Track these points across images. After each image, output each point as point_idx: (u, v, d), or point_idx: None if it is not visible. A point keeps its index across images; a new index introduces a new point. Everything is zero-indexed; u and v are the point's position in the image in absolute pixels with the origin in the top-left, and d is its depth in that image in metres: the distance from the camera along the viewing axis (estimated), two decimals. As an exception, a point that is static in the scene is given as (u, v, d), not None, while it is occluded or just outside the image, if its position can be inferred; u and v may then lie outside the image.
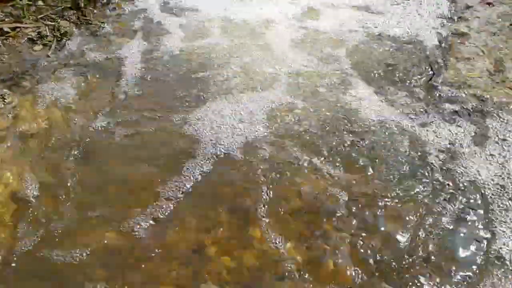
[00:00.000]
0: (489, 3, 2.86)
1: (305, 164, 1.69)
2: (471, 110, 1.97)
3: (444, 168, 1.70)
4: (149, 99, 2.01)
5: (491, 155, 1.75)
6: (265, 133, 1.83)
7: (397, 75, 2.20)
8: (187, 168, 1.65)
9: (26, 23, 2.44)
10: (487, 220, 1.52)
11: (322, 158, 1.72)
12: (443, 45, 2.43)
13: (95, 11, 2.67)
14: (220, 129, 1.84)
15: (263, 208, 1.52)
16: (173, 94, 2.04)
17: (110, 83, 2.10)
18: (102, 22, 2.50)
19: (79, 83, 2.08)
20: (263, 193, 1.57)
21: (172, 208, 1.51)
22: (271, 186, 1.60)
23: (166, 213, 1.50)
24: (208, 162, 1.69)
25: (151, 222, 1.47)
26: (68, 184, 1.60)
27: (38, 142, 1.77)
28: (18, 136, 1.79)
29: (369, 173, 1.67)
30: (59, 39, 2.35)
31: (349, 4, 2.86)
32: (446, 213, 1.54)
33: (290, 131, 1.85)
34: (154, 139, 1.80)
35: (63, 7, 2.63)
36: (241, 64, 2.25)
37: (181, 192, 1.57)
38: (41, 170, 1.66)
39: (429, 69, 2.22)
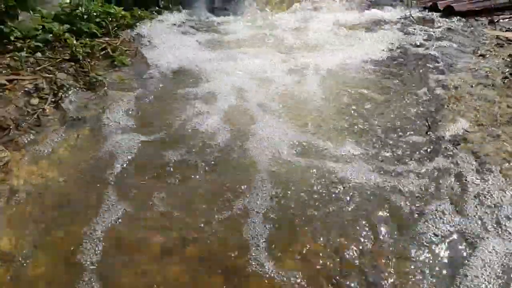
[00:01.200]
0: (482, 55, 2.91)
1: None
2: (467, 168, 1.96)
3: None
4: (140, 158, 2.00)
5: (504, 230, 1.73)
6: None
7: (392, 129, 2.20)
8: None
9: (23, 75, 2.45)
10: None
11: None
12: (437, 98, 2.45)
13: (93, 63, 2.69)
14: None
15: None
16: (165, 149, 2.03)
17: (105, 139, 2.08)
18: (99, 75, 2.51)
19: (74, 139, 2.07)
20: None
21: None
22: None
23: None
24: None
25: None
26: (58, 244, 1.56)
27: (30, 200, 1.74)
28: (9, 193, 1.76)
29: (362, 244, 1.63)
30: (55, 92, 2.35)
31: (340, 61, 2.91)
32: None
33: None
34: (159, 202, 1.77)
35: (61, 59, 2.65)
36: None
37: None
38: (32, 230, 1.62)
39: (426, 124, 2.22)
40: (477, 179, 1.88)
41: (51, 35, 2.80)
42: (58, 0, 3.15)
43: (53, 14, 3.02)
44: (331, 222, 1.64)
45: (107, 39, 2.99)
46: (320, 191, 1.78)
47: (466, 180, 1.87)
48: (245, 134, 2.11)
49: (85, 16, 3.00)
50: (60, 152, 1.99)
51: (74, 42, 2.77)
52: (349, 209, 1.71)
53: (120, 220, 1.66)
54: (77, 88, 2.43)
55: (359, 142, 2.09)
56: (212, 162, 1.94)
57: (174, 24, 3.27)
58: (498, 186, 1.84)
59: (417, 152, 2.04)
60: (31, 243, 1.57)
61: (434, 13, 3.63)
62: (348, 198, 1.76)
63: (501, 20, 3.51)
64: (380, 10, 3.62)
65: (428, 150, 2.05)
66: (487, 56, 2.91)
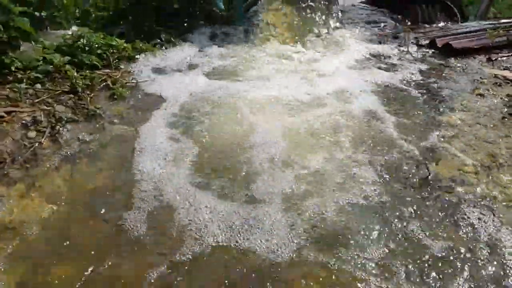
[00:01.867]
0: (480, 94, 2.92)
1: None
2: (465, 211, 1.94)
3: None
4: (137, 195, 1.98)
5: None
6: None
7: (390, 171, 2.19)
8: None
9: (22, 107, 2.45)
10: None
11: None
12: (436, 138, 2.44)
13: (92, 95, 2.70)
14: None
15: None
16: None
17: (101, 174, 2.07)
18: (97, 108, 2.51)
19: (69, 174, 2.06)
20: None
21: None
22: None
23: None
24: None
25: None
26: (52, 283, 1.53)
27: (21, 236, 1.71)
28: (2, 230, 1.73)
29: None
30: (53, 125, 2.35)
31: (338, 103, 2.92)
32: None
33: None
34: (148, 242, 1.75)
35: (61, 91, 2.66)
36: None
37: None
38: (23, 266, 1.59)
39: (424, 167, 2.21)
40: (478, 221, 1.86)
41: (52, 66, 2.82)
42: (60, 31, 3.20)
43: (55, 45, 3.05)
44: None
45: (107, 71, 3.01)
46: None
47: (465, 222, 1.85)
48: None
49: (87, 48, 3.03)
50: (54, 187, 1.98)
51: (75, 74, 2.78)
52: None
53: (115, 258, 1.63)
54: (75, 121, 2.43)
55: (356, 181, 2.07)
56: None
57: (175, 57, 3.28)
58: (496, 228, 1.82)
59: (416, 195, 2.02)
60: (24, 280, 1.54)
61: (433, 50, 3.66)
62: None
63: (499, 58, 3.53)
64: (377, 46, 3.65)
65: (427, 191, 2.03)
66: (486, 95, 2.92)
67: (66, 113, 2.47)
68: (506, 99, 2.87)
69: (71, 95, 2.64)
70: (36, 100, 2.54)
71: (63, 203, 1.89)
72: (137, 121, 2.50)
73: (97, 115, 2.49)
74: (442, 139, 2.42)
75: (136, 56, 3.24)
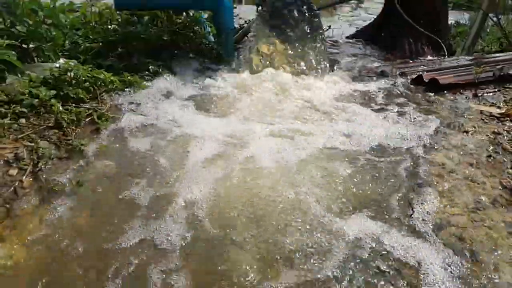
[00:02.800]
0: (466, 132, 2.93)
1: None
2: (450, 254, 1.92)
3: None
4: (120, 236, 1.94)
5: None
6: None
7: (373, 209, 2.17)
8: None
9: (5, 143, 2.42)
10: None
11: None
12: (421, 177, 2.44)
13: (77, 130, 2.68)
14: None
15: None
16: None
17: (84, 216, 2.03)
18: (82, 144, 2.49)
19: (49, 214, 2.02)
20: None
21: None
22: None
23: None
24: None
25: None
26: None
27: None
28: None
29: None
30: (36, 162, 2.31)
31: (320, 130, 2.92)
32: None
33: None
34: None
35: (45, 126, 2.63)
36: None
37: None
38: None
39: (408, 206, 2.19)
40: (463, 267, 1.84)
41: (37, 100, 2.79)
42: (48, 64, 3.19)
43: (41, 78, 3.03)
44: None
45: (94, 104, 2.99)
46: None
47: (451, 269, 1.83)
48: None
49: (74, 81, 3.02)
50: (32, 229, 1.93)
51: (60, 108, 2.76)
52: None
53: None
54: (59, 158, 2.40)
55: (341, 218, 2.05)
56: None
57: (163, 90, 3.28)
58: (486, 276, 1.80)
59: (400, 237, 2.00)
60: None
61: (419, 86, 3.69)
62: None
63: (485, 94, 3.57)
64: (363, 83, 3.68)
65: (411, 234, 2.02)
66: (472, 132, 2.93)
67: (50, 149, 2.44)
68: (491, 136, 2.88)
69: (56, 130, 2.61)
70: (20, 136, 2.51)
71: (40, 247, 1.84)
72: (120, 156, 2.47)
73: (81, 151, 2.47)
74: (428, 179, 2.42)
75: (124, 89, 3.22)
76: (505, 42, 5.48)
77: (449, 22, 11.54)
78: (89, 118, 2.82)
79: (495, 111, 3.25)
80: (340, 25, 8.78)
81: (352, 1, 17.49)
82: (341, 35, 7.20)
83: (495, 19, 5.62)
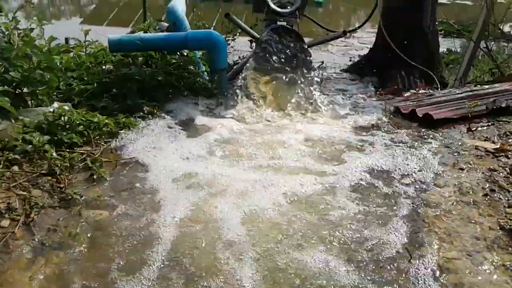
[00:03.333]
0: (461, 169, 2.92)
1: None
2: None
3: None
4: None
5: None
6: None
7: (366, 256, 2.14)
8: None
9: (-3, 193, 2.40)
10: None
11: None
12: (417, 219, 2.42)
13: (71, 176, 2.66)
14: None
15: None
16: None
17: (69, 270, 1.99)
18: (75, 193, 2.46)
19: (41, 268, 1.98)
20: None
21: None
22: None
23: None
24: None
25: None
26: None
27: None
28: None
29: None
30: (28, 212, 2.29)
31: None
32: None
33: None
34: None
35: (38, 173, 2.62)
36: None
37: None
38: None
39: (406, 252, 2.16)
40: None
41: (31, 146, 2.78)
42: (42, 108, 3.19)
43: (35, 123, 3.03)
44: None
45: (88, 148, 2.98)
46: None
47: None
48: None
49: (68, 126, 3.02)
50: (24, 284, 1.89)
51: (53, 154, 2.75)
52: None
53: None
54: (51, 207, 2.37)
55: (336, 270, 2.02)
56: None
57: (158, 132, 3.27)
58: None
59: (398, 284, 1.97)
60: None
61: (413, 121, 3.70)
62: None
63: (479, 128, 3.58)
64: (355, 119, 3.69)
65: (410, 281, 1.98)
66: (467, 169, 2.92)
67: (42, 198, 2.41)
68: (487, 173, 2.87)
69: (49, 177, 2.59)
70: (12, 184, 2.48)
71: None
72: (115, 206, 2.44)
73: (74, 199, 2.44)
74: (425, 220, 2.40)
75: (119, 131, 3.22)
76: (497, 72, 5.53)
77: (441, 49, 11.70)
78: (83, 163, 2.80)
79: (489, 146, 3.25)
80: (333, 58, 8.92)
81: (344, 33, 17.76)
82: (334, 68, 7.30)
83: (486, 49, 5.70)
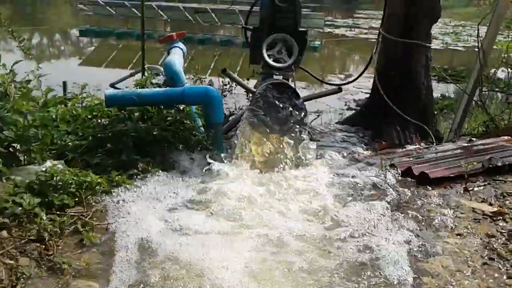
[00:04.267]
0: (459, 234, 2.88)
1: None
2: None
3: None
4: None
5: None
6: None
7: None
8: None
9: (-16, 259, 2.33)
10: None
11: None
12: (417, 292, 2.36)
13: (60, 242, 2.59)
14: None
15: None
16: None
17: None
18: (63, 262, 2.39)
19: None
20: None
21: None
22: None
23: None
24: None
25: None
26: None
27: None
28: None
29: None
30: (14, 284, 2.21)
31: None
32: None
33: None
34: None
35: (27, 239, 2.55)
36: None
37: None
38: None
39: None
40: None
41: (21, 208, 2.73)
42: (34, 167, 3.15)
43: (26, 182, 2.98)
44: None
45: (79, 209, 2.93)
46: None
47: None
48: None
49: (59, 186, 2.97)
50: None
51: (43, 217, 2.69)
52: None
53: None
54: (39, 277, 2.30)
55: None
56: None
57: (152, 191, 3.22)
58: None
59: None
60: None
61: (409, 179, 3.68)
62: None
63: (475, 188, 3.56)
64: (349, 176, 3.67)
65: None
66: (465, 235, 2.88)
67: (30, 268, 2.34)
68: (485, 239, 2.83)
69: (38, 244, 2.52)
70: (0, 252, 2.42)
71: None
72: (104, 274, 2.37)
73: (62, 267, 2.37)
74: (423, 294, 2.34)
75: (112, 190, 3.17)
76: (491, 125, 5.57)
77: (435, 95, 11.85)
78: (74, 227, 2.74)
79: (487, 209, 3.22)
80: (329, 102, 9.01)
81: (340, 74, 18.07)
82: (330, 113, 7.35)
83: (480, 101, 5.76)
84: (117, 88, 7.06)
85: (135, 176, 3.41)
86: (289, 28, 4.54)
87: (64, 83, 8.37)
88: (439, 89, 12.78)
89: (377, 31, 5.25)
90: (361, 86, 9.87)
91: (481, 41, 5.41)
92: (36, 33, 25.96)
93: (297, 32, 4.58)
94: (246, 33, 4.98)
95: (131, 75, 6.92)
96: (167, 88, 4.05)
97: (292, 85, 4.43)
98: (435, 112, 6.39)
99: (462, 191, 3.50)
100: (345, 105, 11.87)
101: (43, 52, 22.05)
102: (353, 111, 11.21)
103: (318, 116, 5.64)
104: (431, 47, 4.95)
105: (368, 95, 5.94)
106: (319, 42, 22.58)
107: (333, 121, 8.72)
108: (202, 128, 4.20)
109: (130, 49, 20.28)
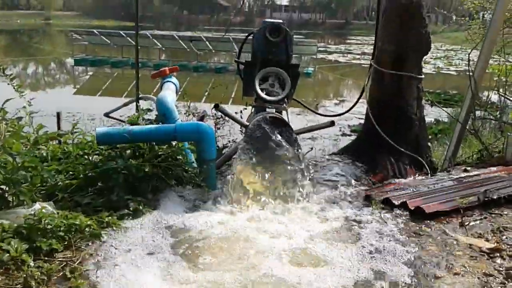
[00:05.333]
0: (457, 273, 2.82)
1: None
2: None
3: None
4: None
5: None
6: None
7: None
8: None
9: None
10: None
11: None
12: None
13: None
14: None
15: None
16: None
17: None
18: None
19: None
20: None
21: None
22: None
23: None
24: None
25: None
26: None
27: None
28: None
29: None
30: None
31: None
32: None
33: None
34: None
35: (13, 288, 2.48)
36: None
37: None
38: None
39: None
40: None
41: (8, 255, 2.66)
42: (22, 210, 3.09)
43: (14, 226, 2.92)
44: None
45: (68, 254, 2.86)
46: None
47: None
48: None
49: (48, 230, 2.91)
50: None
51: (31, 263, 2.63)
52: None
53: None
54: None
55: None
56: None
57: (144, 234, 3.16)
58: None
59: None
60: None
61: (404, 214, 3.64)
62: None
63: (472, 222, 3.52)
64: (342, 211, 3.63)
65: None
66: (463, 273, 2.82)
67: (14, 321, 2.27)
68: (483, 278, 2.77)
69: (27, 298, 2.46)
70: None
71: None
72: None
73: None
74: None
75: (101, 233, 3.11)
76: (486, 154, 5.57)
77: (429, 119, 11.90)
78: (62, 273, 2.67)
79: (484, 245, 3.17)
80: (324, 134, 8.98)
81: (334, 101, 18.22)
82: (324, 140, 7.33)
83: (473, 130, 5.77)
84: (111, 118, 7.08)
85: (126, 217, 3.35)
86: (281, 62, 4.55)
87: (58, 114, 8.35)
88: (432, 113, 12.90)
89: (370, 56, 5.30)
90: (355, 112, 9.89)
91: (472, 70, 5.46)
92: (31, 62, 26.21)
93: (289, 66, 4.60)
94: (238, 67, 4.99)
95: (125, 104, 6.89)
96: (159, 125, 4.02)
97: (286, 117, 4.42)
98: (429, 137, 6.40)
99: (458, 226, 3.46)
100: (340, 130, 11.93)
101: (38, 81, 22.23)
102: (347, 136, 11.28)
103: (312, 149, 5.61)
104: (423, 77, 4.96)
105: (362, 121, 5.96)
106: (312, 68, 22.90)
107: (328, 147, 8.73)
108: (195, 163, 4.17)
109: (125, 77, 20.47)
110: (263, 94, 4.39)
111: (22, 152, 3.28)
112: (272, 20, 4.63)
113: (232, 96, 12.88)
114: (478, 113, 6.08)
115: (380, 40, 4.80)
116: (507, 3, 5.56)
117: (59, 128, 7.85)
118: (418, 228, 3.42)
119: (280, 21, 4.64)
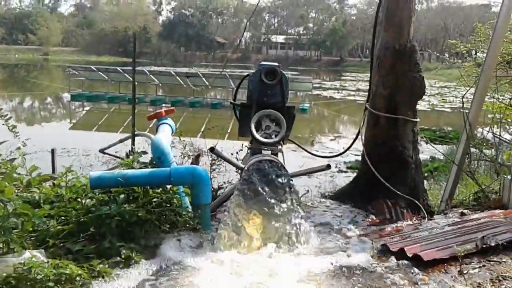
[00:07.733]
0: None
1: None
2: None
3: None
4: None
5: None
6: None
7: None
8: None
9: None
10: None
11: None
12: None
13: None
14: None
15: None
16: None
17: None
18: None
19: None
20: None
21: None
22: None
23: None
24: None
25: None
26: None
27: None
28: None
29: None
30: None
31: None
32: None
33: None
34: None
35: None
36: None
37: None
38: None
39: None
40: None
41: (-5, 310, 2.59)
42: (12, 259, 3.01)
43: (4, 276, 2.85)
44: None
45: (57, 306, 2.78)
46: None
47: None
48: None
49: (38, 279, 2.83)
50: None
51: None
52: None
53: None
54: None
55: None
56: None
57: (133, 285, 3.08)
58: None
59: None
60: None
61: (401, 261, 3.58)
62: None
63: (470, 271, 3.46)
64: (338, 258, 3.57)
65: None
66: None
67: None
68: (484, 333, 2.70)
69: None
70: None
71: None
72: None
73: None
74: None
75: (92, 282, 3.03)
76: (482, 195, 5.54)
77: (425, 157, 11.90)
78: (49, 328, 2.58)
79: (482, 297, 3.11)
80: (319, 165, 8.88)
81: (330, 136, 18.28)
82: (320, 184, 7.29)
83: (469, 173, 5.76)
84: (106, 154, 7.05)
85: (117, 265, 3.27)
86: (277, 104, 4.57)
87: (53, 151, 8.31)
88: (427, 150, 12.94)
89: (364, 93, 5.34)
90: (350, 148, 9.94)
91: (467, 113, 5.50)
92: (28, 97, 26.34)
93: (285, 108, 4.62)
94: (234, 108, 5.02)
95: (121, 141, 6.86)
96: (154, 169, 3.99)
97: (281, 159, 4.41)
98: (425, 175, 6.38)
99: (457, 275, 3.40)
100: (336, 167, 11.89)
101: (34, 115, 22.27)
102: (344, 173, 11.23)
103: (307, 191, 5.57)
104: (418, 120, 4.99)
105: (357, 157, 5.96)
106: (308, 105, 23.10)
107: (324, 184, 8.61)
108: (189, 207, 4.12)
109: (121, 113, 20.57)
110: (258, 136, 4.39)
111: (13, 198, 3.22)
112: (267, 63, 4.66)
113: (228, 131, 12.92)
114: (473, 150, 6.09)
115: (374, 85, 4.86)
116: (499, 47, 5.66)
117: (53, 165, 7.82)
118: (415, 276, 3.35)
119: (276, 64, 4.68)
